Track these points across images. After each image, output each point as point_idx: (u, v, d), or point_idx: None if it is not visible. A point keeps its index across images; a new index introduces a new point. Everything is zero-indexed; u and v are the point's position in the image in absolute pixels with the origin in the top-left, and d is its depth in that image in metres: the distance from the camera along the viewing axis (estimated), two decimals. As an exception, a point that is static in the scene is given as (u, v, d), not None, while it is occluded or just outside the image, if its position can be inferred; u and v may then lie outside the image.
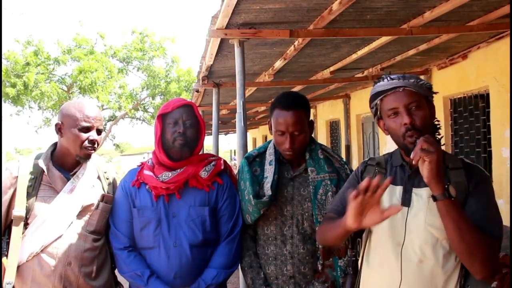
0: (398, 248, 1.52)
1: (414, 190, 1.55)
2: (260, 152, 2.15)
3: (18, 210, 1.91)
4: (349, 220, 1.42)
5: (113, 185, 2.16)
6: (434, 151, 1.38)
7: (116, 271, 2.15)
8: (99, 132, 2.03)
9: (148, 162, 2.12)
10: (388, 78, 1.57)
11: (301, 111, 1.99)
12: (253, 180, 2.03)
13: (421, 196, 1.54)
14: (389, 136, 1.62)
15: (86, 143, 1.98)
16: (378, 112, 1.63)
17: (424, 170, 1.39)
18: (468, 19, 3.92)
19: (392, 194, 1.59)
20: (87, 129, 1.98)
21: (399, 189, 1.59)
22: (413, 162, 1.41)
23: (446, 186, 1.40)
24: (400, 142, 1.55)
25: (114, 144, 22.55)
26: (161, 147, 2.04)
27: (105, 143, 21.02)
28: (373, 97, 1.62)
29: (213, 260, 2.02)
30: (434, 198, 1.42)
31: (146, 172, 2.07)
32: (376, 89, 1.60)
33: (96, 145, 2.01)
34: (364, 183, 1.38)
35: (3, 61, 14.57)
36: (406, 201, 1.55)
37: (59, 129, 2.01)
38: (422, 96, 1.55)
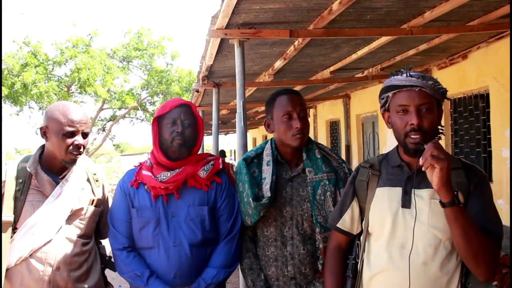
0: (403, 251, 1.51)
1: (415, 191, 1.53)
2: (258, 153, 2.13)
3: (6, 215, 1.87)
4: None
5: (102, 187, 2.14)
6: (444, 158, 1.35)
7: (106, 272, 2.15)
8: (85, 135, 1.99)
9: (147, 162, 2.11)
10: (407, 74, 1.53)
11: (303, 98, 2.09)
12: (252, 182, 2.02)
13: (422, 197, 1.52)
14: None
15: (71, 148, 1.93)
16: (387, 105, 1.59)
17: (434, 177, 1.36)
18: (468, 19, 3.92)
19: (391, 197, 1.57)
20: (72, 134, 1.93)
21: (398, 190, 1.56)
22: (423, 169, 1.38)
23: (455, 193, 1.39)
24: (401, 139, 1.54)
25: (114, 144, 22.55)
26: (159, 147, 2.04)
27: (105, 143, 21.02)
28: (386, 89, 1.58)
29: (213, 259, 2.02)
30: (443, 205, 1.40)
31: (145, 172, 2.06)
32: (391, 82, 1.56)
33: (82, 149, 1.98)
34: None
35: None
36: (406, 202, 1.53)
37: (44, 132, 1.97)
38: (435, 100, 1.53)
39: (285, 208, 2.03)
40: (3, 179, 1.92)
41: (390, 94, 1.56)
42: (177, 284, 1.95)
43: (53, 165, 2.00)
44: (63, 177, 1.99)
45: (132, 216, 2.03)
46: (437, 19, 3.70)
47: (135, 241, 2.03)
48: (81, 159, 2.06)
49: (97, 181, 2.12)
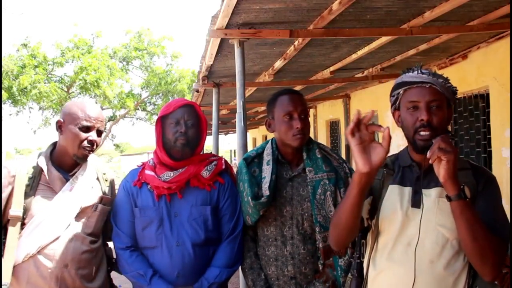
0: (410, 249, 1.51)
1: (424, 191, 1.54)
2: (258, 153, 2.14)
3: (15, 210, 1.87)
4: (360, 164, 1.38)
5: (111, 186, 2.14)
6: (451, 150, 1.35)
7: (112, 274, 2.14)
8: (99, 133, 2.01)
9: (150, 162, 2.12)
10: (419, 71, 1.55)
11: (304, 99, 2.09)
12: (252, 181, 2.03)
13: (430, 196, 1.52)
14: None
15: (85, 143, 1.95)
16: (397, 102, 1.60)
17: (441, 169, 1.36)
18: (468, 19, 3.92)
19: (402, 196, 1.57)
20: (87, 129, 1.96)
21: (408, 190, 1.57)
22: (430, 161, 1.39)
23: (462, 187, 1.39)
24: (410, 136, 1.54)
25: (114, 144, 22.55)
26: (162, 147, 2.04)
27: (105, 143, 20.99)
28: (397, 86, 1.60)
29: (215, 259, 2.03)
30: (449, 199, 1.40)
31: (148, 172, 2.07)
32: (403, 79, 1.58)
33: (94, 146, 1.99)
34: (355, 116, 1.39)
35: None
36: (416, 202, 1.53)
37: (59, 126, 1.99)
38: (445, 98, 1.53)
39: (285, 207, 2.03)
40: (13, 173, 1.92)
41: (401, 90, 1.58)
42: (179, 284, 1.96)
43: (64, 162, 2.00)
44: (73, 174, 2.00)
45: (135, 216, 2.04)
46: (437, 19, 3.70)
47: (138, 241, 2.04)
48: (92, 158, 2.07)
49: (106, 180, 2.12)
